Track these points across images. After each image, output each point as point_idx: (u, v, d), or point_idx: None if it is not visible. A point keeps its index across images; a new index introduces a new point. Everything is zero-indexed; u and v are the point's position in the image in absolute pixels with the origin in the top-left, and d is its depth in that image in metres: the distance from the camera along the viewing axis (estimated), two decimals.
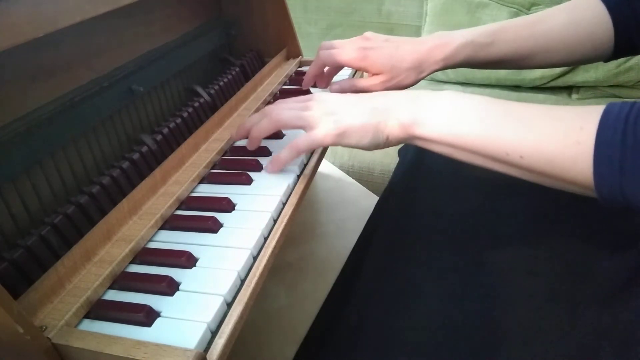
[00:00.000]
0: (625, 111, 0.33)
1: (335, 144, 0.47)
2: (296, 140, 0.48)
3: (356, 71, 0.74)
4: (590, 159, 0.34)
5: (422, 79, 0.60)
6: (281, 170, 0.50)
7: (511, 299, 0.45)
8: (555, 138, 0.36)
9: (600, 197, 0.35)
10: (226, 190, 0.48)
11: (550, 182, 0.39)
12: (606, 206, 0.36)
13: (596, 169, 0.34)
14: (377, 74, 0.59)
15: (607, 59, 0.57)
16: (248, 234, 0.42)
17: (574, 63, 0.60)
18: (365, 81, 0.61)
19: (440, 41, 0.58)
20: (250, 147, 0.53)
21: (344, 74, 0.72)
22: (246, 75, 0.73)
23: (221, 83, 0.67)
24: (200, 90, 0.64)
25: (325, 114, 0.48)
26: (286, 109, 0.50)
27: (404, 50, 0.58)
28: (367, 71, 0.60)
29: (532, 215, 0.52)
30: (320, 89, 0.67)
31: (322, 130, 0.47)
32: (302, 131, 0.49)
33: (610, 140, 0.33)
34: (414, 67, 0.58)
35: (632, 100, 0.34)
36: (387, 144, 0.47)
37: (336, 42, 0.62)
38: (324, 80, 0.66)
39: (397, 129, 0.45)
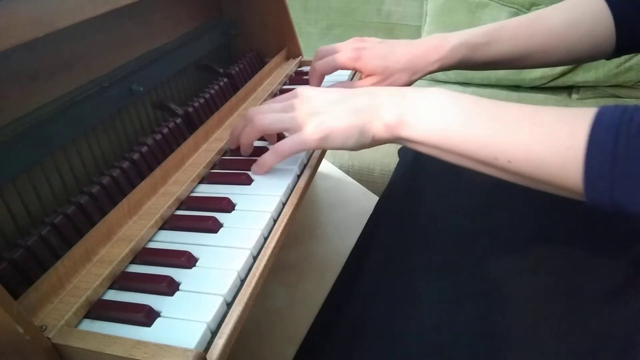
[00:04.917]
0: (615, 121, 0.33)
1: (319, 148, 0.46)
2: (280, 143, 0.47)
3: (355, 74, 0.74)
4: (580, 166, 0.33)
5: (416, 80, 0.60)
6: (275, 170, 0.50)
7: (511, 298, 0.45)
8: (545, 143, 0.35)
9: (589, 203, 0.35)
10: (226, 190, 0.48)
11: (539, 186, 0.38)
12: (596, 211, 0.35)
13: (587, 177, 0.33)
14: (370, 75, 0.59)
15: (609, 56, 0.57)
16: (248, 234, 0.42)
17: (574, 61, 0.60)
18: (358, 83, 0.61)
19: (436, 43, 0.58)
20: (245, 154, 0.52)
21: (344, 73, 0.72)
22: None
23: (221, 83, 0.67)
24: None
25: (308, 114, 0.46)
26: (267, 113, 0.48)
27: (398, 51, 0.59)
28: (361, 71, 0.61)
29: (532, 216, 0.52)
30: None
31: (306, 134, 0.45)
32: None
33: (601, 151, 0.32)
34: (407, 68, 0.58)
35: (630, 100, 0.34)
36: (372, 144, 0.45)
37: (330, 46, 0.62)
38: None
39: (382, 129, 0.44)
